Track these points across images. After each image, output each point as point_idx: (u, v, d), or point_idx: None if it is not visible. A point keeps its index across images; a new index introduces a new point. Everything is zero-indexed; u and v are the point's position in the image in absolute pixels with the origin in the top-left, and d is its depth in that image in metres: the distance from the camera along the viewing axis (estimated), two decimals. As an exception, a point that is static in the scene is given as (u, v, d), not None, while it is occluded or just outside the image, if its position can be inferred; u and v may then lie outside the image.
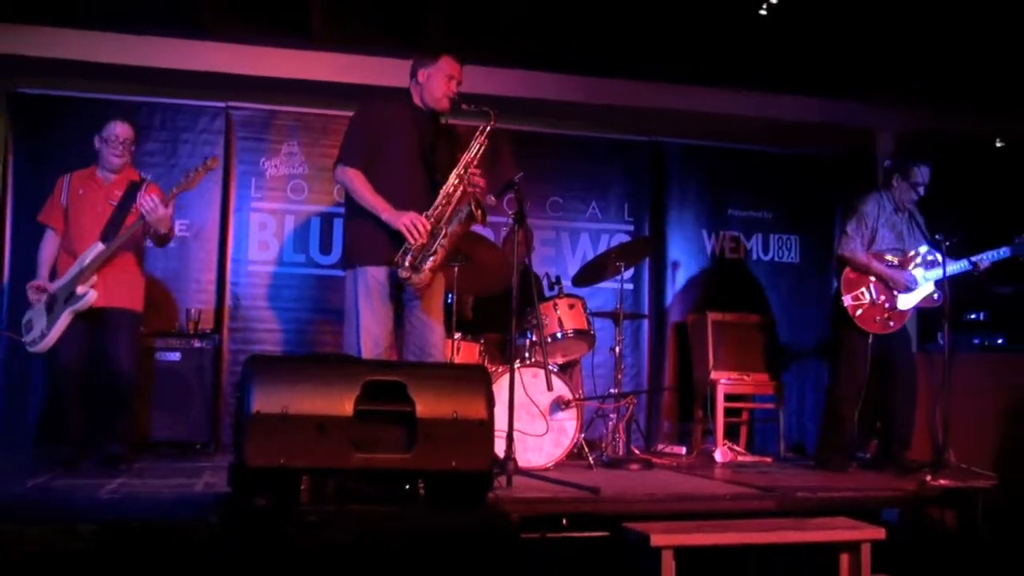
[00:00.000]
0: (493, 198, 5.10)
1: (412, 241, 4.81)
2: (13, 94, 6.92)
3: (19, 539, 3.48)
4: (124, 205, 5.59)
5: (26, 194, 6.80)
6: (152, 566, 3.54)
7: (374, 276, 4.93)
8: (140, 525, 3.63)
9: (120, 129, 5.65)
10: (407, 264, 4.82)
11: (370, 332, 4.91)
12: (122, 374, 5.51)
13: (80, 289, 5.38)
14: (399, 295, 5.02)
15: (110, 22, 6.85)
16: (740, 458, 6.78)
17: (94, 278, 5.41)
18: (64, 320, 5.40)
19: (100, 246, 5.46)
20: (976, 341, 6.85)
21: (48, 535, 3.51)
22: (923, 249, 6.10)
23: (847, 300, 6.07)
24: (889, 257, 6.10)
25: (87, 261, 5.42)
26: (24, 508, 4.08)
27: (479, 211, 4.91)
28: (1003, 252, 5.88)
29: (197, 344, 6.61)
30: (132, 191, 5.61)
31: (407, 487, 3.92)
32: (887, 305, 6.03)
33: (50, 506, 4.16)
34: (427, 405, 3.88)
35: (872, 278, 6.06)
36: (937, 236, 5.99)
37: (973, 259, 5.90)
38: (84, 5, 6.67)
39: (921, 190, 6.08)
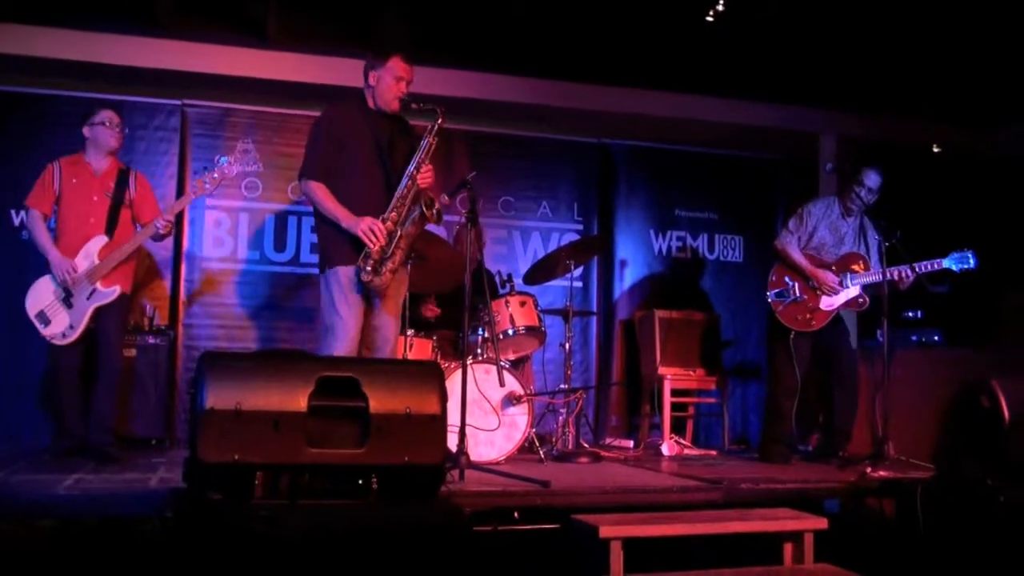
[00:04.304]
0: (447, 197, 5.18)
1: (370, 245, 4.92)
2: (-35, 90, 6.87)
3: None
4: (119, 197, 5.78)
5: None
6: (107, 561, 3.53)
7: (345, 275, 5.06)
8: (96, 520, 3.64)
9: (109, 114, 5.80)
10: (368, 268, 4.93)
11: (348, 325, 5.06)
12: (112, 353, 5.67)
13: (105, 287, 5.61)
14: (367, 292, 5.12)
15: (65, 19, 6.82)
16: (686, 451, 6.86)
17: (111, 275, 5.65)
18: (88, 314, 5.59)
19: (104, 239, 5.66)
20: (914, 338, 6.97)
21: (4, 530, 3.49)
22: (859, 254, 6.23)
23: (770, 296, 6.22)
24: (822, 257, 6.22)
25: (97, 258, 5.61)
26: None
27: (431, 210, 4.99)
28: (938, 264, 5.94)
29: (152, 340, 6.63)
30: (123, 180, 5.81)
31: (360, 482, 3.91)
32: (809, 304, 6.14)
33: (6, 501, 4.12)
34: (380, 400, 3.90)
35: (798, 276, 6.19)
36: (876, 236, 6.12)
37: (914, 267, 5.94)
38: (39, 1, 6.65)
39: (870, 196, 6.13)
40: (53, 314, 5.60)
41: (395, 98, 5.15)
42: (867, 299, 6.13)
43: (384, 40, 6.82)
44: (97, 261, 5.62)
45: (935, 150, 8.66)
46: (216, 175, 5.75)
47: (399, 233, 4.99)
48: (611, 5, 7.02)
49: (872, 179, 6.14)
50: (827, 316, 6.14)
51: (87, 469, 5.12)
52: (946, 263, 5.93)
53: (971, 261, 5.90)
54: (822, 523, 4.32)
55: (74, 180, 5.75)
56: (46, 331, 5.61)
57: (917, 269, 5.94)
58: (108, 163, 5.85)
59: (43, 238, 5.69)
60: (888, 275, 5.90)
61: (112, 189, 5.78)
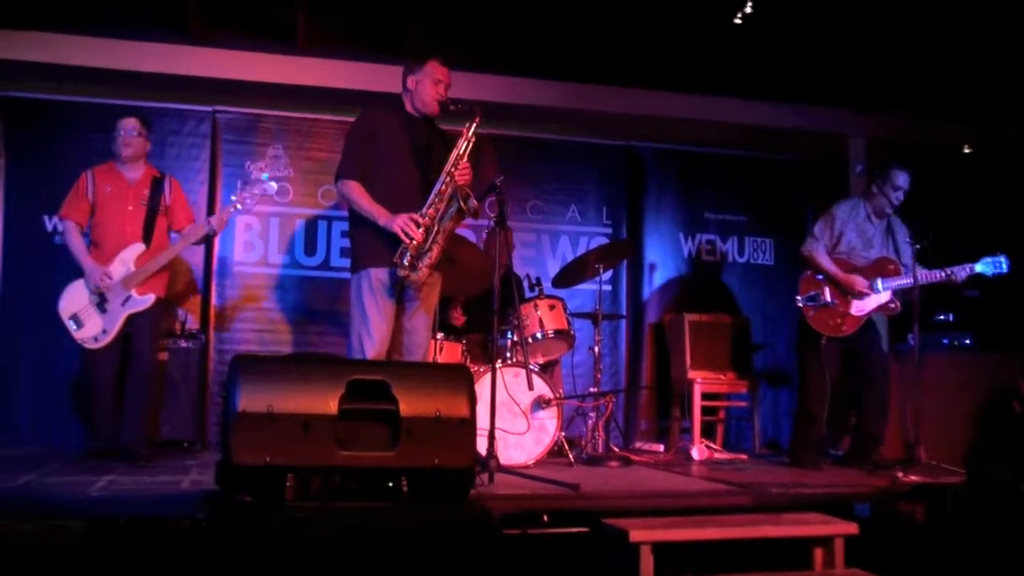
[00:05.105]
0: (475, 201, 5.20)
1: (407, 241, 4.95)
2: (3, 98, 6.95)
3: (9, 535, 3.50)
4: (154, 205, 5.84)
5: (15, 196, 6.89)
6: (140, 562, 3.57)
7: (377, 277, 5.10)
8: (128, 521, 3.67)
9: (123, 121, 5.85)
10: (405, 263, 4.96)
11: (379, 327, 5.09)
12: (145, 358, 5.72)
13: (140, 294, 5.67)
14: (400, 295, 5.18)
15: (98, 27, 6.88)
16: (716, 455, 6.83)
17: (147, 282, 5.70)
18: (122, 320, 5.64)
19: (141, 247, 5.72)
20: (945, 341, 6.93)
21: (38, 531, 3.53)
22: (890, 256, 6.21)
23: (800, 301, 6.17)
24: (852, 261, 6.20)
25: (134, 265, 5.66)
26: (14, 504, 4.10)
27: (467, 205, 5.02)
28: (970, 269, 5.92)
29: (184, 344, 6.66)
30: (157, 188, 5.86)
31: (391, 484, 3.94)
32: (840, 309, 6.10)
33: (40, 503, 4.18)
34: (410, 404, 3.94)
35: (828, 281, 6.15)
36: (906, 239, 6.08)
37: (946, 271, 5.94)
38: (72, 10, 6.72)
39: (899, 196, 6.12)
40: (87, 318, 5.64)
41: (434, 100, 5.22)
42: (899, 304, 6.10)
43: (412, 45, 6.86)
44: (133, 268, 5.66)
45: (966, 150, 8.60)
46: (258, 191, 5.85)
47: (436, 229, 5.02)
48: (638, 8, 7.02)
49: (903, 179, 6.12)
50: (858, 321, 6.10)
51: (119, 471, 5.15)
52: (978, 268, 5.91)
53: (1004, 265, 5.89)
54: (852, 528, 4.28)
55: (108, 189, 5.79)
56: (78, 334, 5.65)
57: (948, 274, 5.91)
58: (142, 171, 5.89)
59: (78, 247, 5.75)
60: (920, 279, 5.87)
61: (147, 197, 5.82)
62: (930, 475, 5.32)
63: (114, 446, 5.67)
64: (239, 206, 5.87)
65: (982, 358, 6.56)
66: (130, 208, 5.79)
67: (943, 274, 5.90)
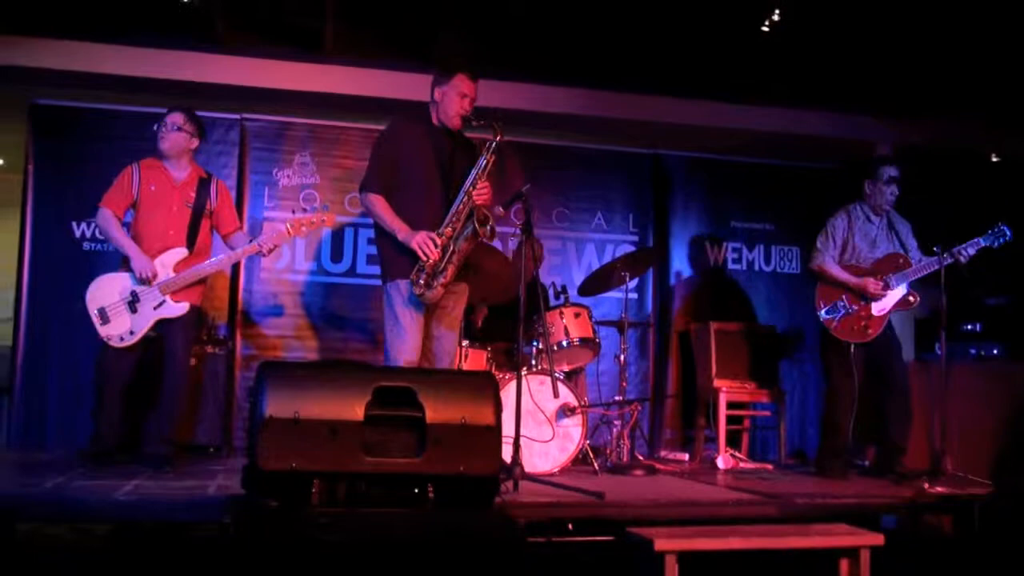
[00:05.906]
0: (501, 209, 5.22)
1: (424, 259, 4.98)
2: (33, 105, 6.96)
3: (36, 538, 3.56)
4: (199, 207, 5.70)
5: (45, 201, 6.92)
6: (165, 566, 3.61)
7: (406, 286, 5.11)
8: (154, 525, 3.71)
9: (169, 115, 5.70)
10: (421, 281, 4.99)
11: (412, 334, 5.12)
12: (177, 365, 5.61)
13: (175, 300, 5.55)
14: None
15: (127, 36, 6.95)
16: (742, 465, 6.80)
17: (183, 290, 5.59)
18: (151, 323, 5.54)
19: (183, 252, 5.60)
20: (972, 351, 6.89)
21: (64, 534, 3.58)
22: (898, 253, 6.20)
23: (822, 314, 6.15)
24: (861, 265, 6.19)
25: (173, 271, 5.54)
26: (41, 508, 4.13)
27: (484, 227, 5.03)
28: (978, 243, 5.93)
29: (210, 350, 6.68)
30: (203, 189, 5.73)
31: (416, 491, 3.96)
32: (862, 313, 6.08)
33: (67, 506, 4.19)
34: (436, 410, 3.95)
35: (844, 290, 6.13)
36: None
37: (951, 251, 5.93)
38: (101, 19, 6.78)
39: (893, 188, 6.15)
40: (115, 315, 5.49)
41: (457, 115, 5.22)
42: (917, 296, 6.09)
43: (440, 53, 6.88)
44: (172, 274, 5.54)
45: (993, 159, 8.55)
46: (315, 220, 5.77)
47: (452, 248, 5.05)
48: (665, 16, 7.03)
49: (893, 170, 6.20)
50: (882, 322, 6.08)
51: (146, 475, 5.15)
52: (983, 241, 5.94)
53: (1007, 234, 5.91)
54: (879, 539, 4.25)
55: (153, 187, 5.63)
56: (103, 329, 5.50)
57: (956, 253, 5.90)
58: (188, 170, 5.74)
59: (120, 235, 5.57)
60: (930, 266, 5.91)
61: (193, 199, 5.68)
62: (957, 486, 5.28)
63: (113, 449, 5.59)
64: (293, 234, 5.75)
65: (1010, 368, 6.50)
66: (175, 209, 5.64)
67: (953, 255, 5.90)
